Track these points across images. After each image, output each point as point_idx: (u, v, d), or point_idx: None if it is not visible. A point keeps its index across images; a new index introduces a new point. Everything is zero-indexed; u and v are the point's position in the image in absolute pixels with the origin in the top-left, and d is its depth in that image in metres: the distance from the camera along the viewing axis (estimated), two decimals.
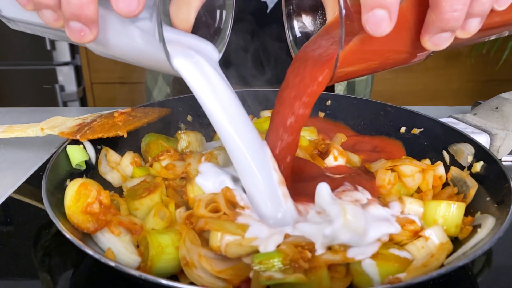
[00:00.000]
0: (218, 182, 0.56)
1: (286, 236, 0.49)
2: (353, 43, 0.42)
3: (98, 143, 0.66)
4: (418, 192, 0.65)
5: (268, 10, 1.04)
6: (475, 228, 0.52)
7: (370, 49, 0.43)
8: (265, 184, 0.52)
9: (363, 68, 0.47)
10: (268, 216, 0.53)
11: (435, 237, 0.51)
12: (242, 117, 0.53)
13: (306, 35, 0.60)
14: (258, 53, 1.10)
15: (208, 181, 0.57)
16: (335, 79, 0.47)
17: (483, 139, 0.76)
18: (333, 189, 0.57)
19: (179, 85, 1.24)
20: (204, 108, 0.51)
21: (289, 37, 0.59)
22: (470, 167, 0.63)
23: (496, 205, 0.53)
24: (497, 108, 0.82)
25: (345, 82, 1.12)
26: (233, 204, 0.54)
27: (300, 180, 0.61)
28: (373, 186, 0.61)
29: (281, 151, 0.54)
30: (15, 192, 0.69)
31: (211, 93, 0.51)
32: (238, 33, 1.08)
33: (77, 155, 0.62)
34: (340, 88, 1.11)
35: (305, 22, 0.59)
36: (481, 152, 0.62)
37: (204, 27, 0.58)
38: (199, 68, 0.51)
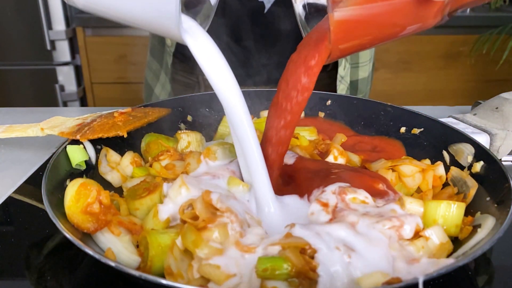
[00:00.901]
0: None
1: (288, 235, 0.49)
2: (351, 8, 0.40)
3: (98, 143, 0.66)
4: (418, 192, 0.65)
5: (265, 11, 1.03)
6: (475, 228, 0.52)
7: (370, 11, 0.41)
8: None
9: (367, 36, 0.44)
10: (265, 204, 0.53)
11: (435, 237, 0.51)
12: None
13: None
14: (255, 54, 1.10)
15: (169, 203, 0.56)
16: (337, 51, 0.45)
17: (483, 139, 0.76)
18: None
19: (178, 85, 1.24)
20: (211, 76, 0.52)
21: (299, 18, 0.58)
22: (470, 167, 0.63)
23: (496, 205, 0.53)
24: (497, 108, 0.82)
25: (348, 80, 1.11)
26: (215, 208, 0.52)
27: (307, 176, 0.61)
28: (370, 183, 0.61)
29: (278, 135, 0.54)
30: (15, 192, 0.69)
31: (218, 65, 0.52)
32: (235, 33, 1.08)
33: (77, 155, 0.62)
34: (342, 88, 1.10)
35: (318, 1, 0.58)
36: (481, 152, 0.62)
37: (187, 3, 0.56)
38: (207, 39, 0.51)
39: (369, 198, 0.56)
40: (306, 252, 0.47)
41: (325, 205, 0.55)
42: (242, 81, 1.22)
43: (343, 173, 0.61)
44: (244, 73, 1.14)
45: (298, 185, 0.61)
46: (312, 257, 0.46)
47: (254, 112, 0.85)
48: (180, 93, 1.21)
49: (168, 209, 0.54)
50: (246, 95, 0.83)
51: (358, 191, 0.56)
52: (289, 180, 0.63)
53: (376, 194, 0.58)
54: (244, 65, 1.11)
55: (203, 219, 0.50)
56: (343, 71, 1.08)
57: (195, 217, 0.51)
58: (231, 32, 1.06)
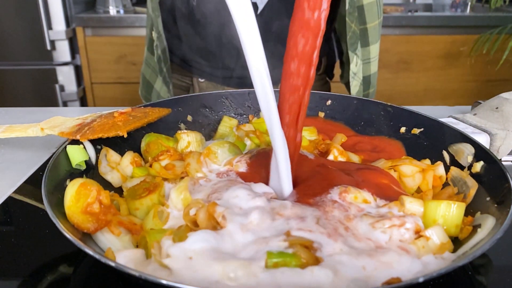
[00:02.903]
0: None
1: (288, 234, 0.49)
2: None
3: (98, 143, 0.66)
4: (418, 192, 0.65)
5: (258, 12, 1.03)
6: (475, 228, 0.52)
7: None
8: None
9: None
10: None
11: (436, 237, 0.51)
12: None
13: None
14: None
15: None
16: None
17: (483, 139, 0.76)
18: (336, 183, 0.58)
19: (178, 89, 1.24)
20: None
21: None
22: (470, 167, 0.63)
23: (496, 205, 0.53)
24: (497, 108, 0.82)
25: (361, 76, 1.11)
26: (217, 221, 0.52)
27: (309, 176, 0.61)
28: (378, 181, 0.61)
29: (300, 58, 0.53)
30: (15, 192, 0.69)
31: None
32: (228, 34, 1.07)
33: (77, 155, 0.62)
34: (355, 84, 1.10)
35: None
36: (481, 152, 0.62)
37: None
38: None
39: (371, 198, 0.56)
40: (311, 249, 0.47)
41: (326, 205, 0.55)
42: (236, 82, 1.21)
43: (356, 172, 0.62)
44: (238, 74, 1.13)
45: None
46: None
47: (254, 112, 0.85)
48: (175, 95, 1.20)
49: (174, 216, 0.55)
50: (246, 95, 0.84)
51: (361, 190, 0.57)
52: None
53: (386, 193, 0.58)
54: (237, 66, 1.11)
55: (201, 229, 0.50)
56: (355, 67, 1.08)
57: (196, 222, 0.51)
58: (224, 33, 1.05)
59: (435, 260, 0.48)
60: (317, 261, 0.46)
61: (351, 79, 1.09)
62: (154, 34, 1.10)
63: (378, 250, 0.48)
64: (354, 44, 1.06)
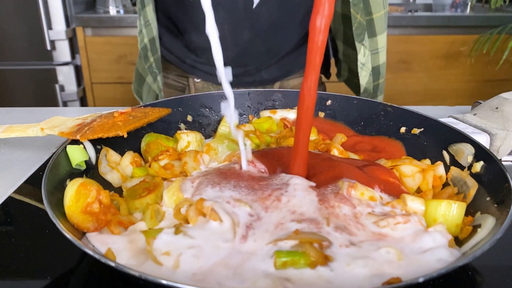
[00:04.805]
0: None
1: (297, 232, 0.49)
2: None
3: (98, 143, 0.66)
4: (418, 192, 0.65)
5: (254, 6, 1.03)
6: (475, 228, 0.52)
7: None
8: None
9: None
10: None
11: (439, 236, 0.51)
12: None
13: None
14: (244, 50, 1.09)
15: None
16: None
17: (483, 139, 0.76)
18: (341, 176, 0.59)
19: (174, 90, 1.24)
20: None
21: None
22: (470, 167, 0.63)
23: (496, 205, 0.53)
24: (497, 108, 0.82)
25: (370, 67, 1.11)
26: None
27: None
28: (385, 178, 0.62)
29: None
30: (15, 192, 0.69)
31: None
32: (224, 29, 1.07)
33: (77, 155, 0.62)
34: (364, 74, 1.10)
35: None
36: (481, 152, 0.62)
37: None
38: None
39: (377, 195, 0.57)
40: (322, 247, 0.47)
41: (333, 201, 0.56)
42: (232, 82, 1.21)
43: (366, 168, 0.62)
44: (233, 73, 1.13)
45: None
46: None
47: (254, 112, 0.85)
48: (170, 96, 1.20)
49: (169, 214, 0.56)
50: (246, 95, 0.84)
51: (368, 187, 0.57)
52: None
53: (394, 189, 0.59)
54: (233, 61, 1.11)
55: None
56: (363, 58, 1.09)
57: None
58: (220, 28, 1.05)
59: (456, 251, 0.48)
60: (326, 260, 0.46)
61: (359, 70, 1.09)
62: (142, 21, 1.10)
63: (391, 245, 0.49)
64: (360, 34, 1.06)
